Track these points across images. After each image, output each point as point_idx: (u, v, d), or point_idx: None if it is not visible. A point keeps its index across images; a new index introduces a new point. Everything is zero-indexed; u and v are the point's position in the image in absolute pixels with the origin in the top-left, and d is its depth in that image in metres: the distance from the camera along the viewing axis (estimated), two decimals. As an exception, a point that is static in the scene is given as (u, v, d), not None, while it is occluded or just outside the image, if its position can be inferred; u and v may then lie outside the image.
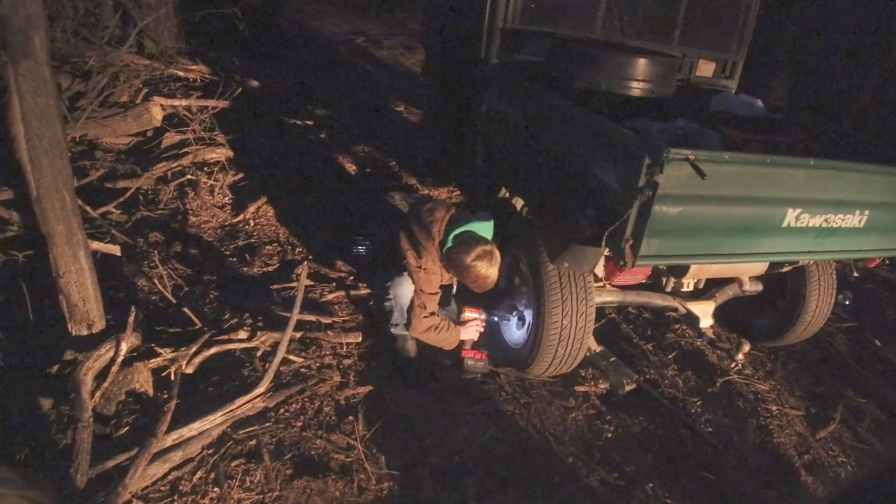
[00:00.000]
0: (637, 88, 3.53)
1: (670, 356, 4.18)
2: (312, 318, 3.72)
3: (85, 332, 3.14)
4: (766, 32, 7.52)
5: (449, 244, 3.23)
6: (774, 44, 8.52)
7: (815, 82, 9.42)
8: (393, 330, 3.61)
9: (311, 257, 4.50)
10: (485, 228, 3.32)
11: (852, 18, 9.72)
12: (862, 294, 5.39)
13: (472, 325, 3.58)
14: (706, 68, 4.74)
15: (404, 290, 3.47)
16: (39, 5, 2.58)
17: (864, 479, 3.55)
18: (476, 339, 3.63)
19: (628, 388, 3.67)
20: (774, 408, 3.88)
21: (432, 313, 3.37)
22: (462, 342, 3.58)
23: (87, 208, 3.98)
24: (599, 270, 3.46)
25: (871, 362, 4.62)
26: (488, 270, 3.19)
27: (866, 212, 3.03)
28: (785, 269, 3.81)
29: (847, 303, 5.03)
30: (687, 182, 2.45)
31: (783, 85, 8.81)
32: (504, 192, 4.18)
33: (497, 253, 3.23)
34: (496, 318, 3.79)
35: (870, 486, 3.54)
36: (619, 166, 2.68)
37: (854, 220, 3.02)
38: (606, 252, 2.93)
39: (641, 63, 3.52)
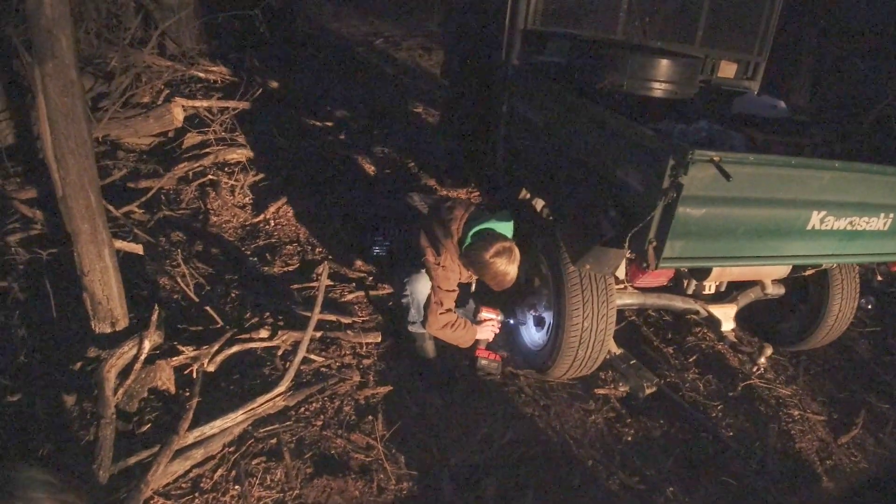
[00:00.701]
0: (659, 90, 3.51)
1: (691, 359, 4.14)
2: (332, 317, 3.73)
3: (108, 330, 3.17)
4: (789, 33, 7.44)
5: (468, 242, 3.23)
6: (797, 45, 8.44)
7: (838, 83, 9.30)
8: (410, 328, 3.61)
9: (330, 257, 4.52)
10: (504, 227, 3.31)
11: (875, 19, 9.59)
12: (885, 298, 5.31)
13: (488, 325, 3.58)
14: (728, 69, 4.70)
15: (421, 287, 3.47)
16: (66, 6, 2.61)
17: (887, 485, 3.50)
18: (491, 339, 3.62)
19: (648, 391, 3.64)
20: (796, 412, 3.84)
21: (449, 310, 3.37)
22: (477, 342, 3.58)
23: (111, 207, 4.02)
24: (621, 272, 3.43)
25: (894, 367, 4.55)
26: (507, 267, 3.18)
27: (891, 214, 2.98)
28: (808, 273, 3.76)
29: (870, 307, 4.98)
30: (711, 184, 2.42)
31: (805, 86, 8.71)
32: (525, 193, 4.17)
33: (517, 250, 3.22)
34: (512, 321, 3.79)
35: (892, 493, 3.49)
36: (642, 168, 2.66)
37: (879, 222, 2.98)
38: (629, 254, 2.92)
39: (663, 64, 3.49)
